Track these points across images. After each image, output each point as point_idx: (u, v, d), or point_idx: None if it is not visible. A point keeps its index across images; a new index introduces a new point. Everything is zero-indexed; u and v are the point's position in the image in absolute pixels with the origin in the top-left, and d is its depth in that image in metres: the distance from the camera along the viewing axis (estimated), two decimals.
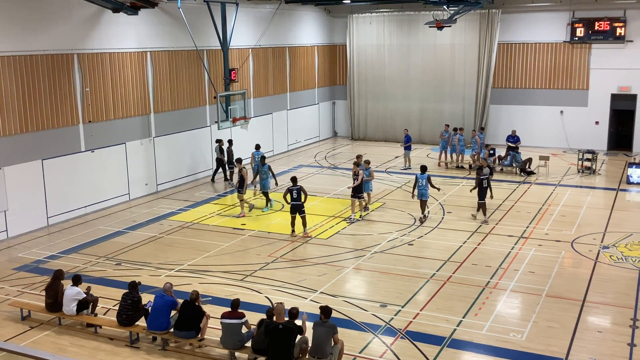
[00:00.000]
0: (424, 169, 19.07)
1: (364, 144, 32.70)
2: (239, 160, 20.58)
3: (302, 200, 17.59)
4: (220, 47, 24.03)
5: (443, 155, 26.84)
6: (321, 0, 30.61)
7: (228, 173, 24.40)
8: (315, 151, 30.98)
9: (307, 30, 32.25)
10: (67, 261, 16.05)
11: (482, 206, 18.88)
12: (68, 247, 17.22)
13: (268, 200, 20.66)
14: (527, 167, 24.98)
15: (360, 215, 19.45)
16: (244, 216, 19.74)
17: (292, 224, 17.78)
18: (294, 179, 18.00)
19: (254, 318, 11.31)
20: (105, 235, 18.19)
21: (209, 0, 22.43)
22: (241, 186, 19.90)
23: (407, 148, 26.49)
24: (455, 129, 26.41)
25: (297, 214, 17.66)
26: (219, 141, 24.31)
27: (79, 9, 19.54)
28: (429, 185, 18.81)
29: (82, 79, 19.84)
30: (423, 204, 19.01)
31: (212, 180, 24.74)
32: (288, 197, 17.75)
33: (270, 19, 28.08)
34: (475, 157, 25.78)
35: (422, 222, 18.87)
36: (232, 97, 24.21)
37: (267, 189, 20.54)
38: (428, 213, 19.49)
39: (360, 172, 19.06)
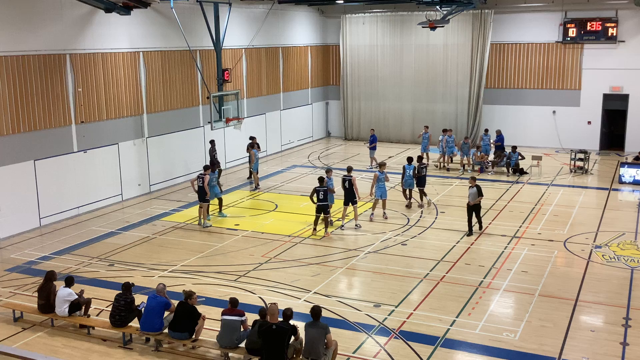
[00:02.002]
0: (410, 160, 20.54)
1: (357, 144, 32.70)
2: (207, 167, 19.27)
3: (329, 200, 17.74)
4: (213, 47, 23.99)
5: (435, 156, 26.97)
6: (314, 1, 30.61)
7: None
8: (309, 151, 30.97)
9: (300, 31, 32.24)
10: (60, 262, 15.99)
11: (421, 192, 20.58)
12: (60, 248, 17.15)
13: (221, 207, 19.92)
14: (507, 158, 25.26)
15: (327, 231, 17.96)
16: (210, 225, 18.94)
17: (315, 223, 17.85)
18: (321, 180, 17.92)
19: (248, 318, 11.29)
20: (98, 236, 18.13)
21: (201, 0, 22.39)
22: (207, 195, 18.72)
23: (373, 148, 26.56)
24: (444, 130, 26.61)
25: (322, 214, 17.69)
26: (252, 138, 24.47)
27: (71, 9, 19.47)
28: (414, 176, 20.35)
29: (74, 79, 19.76)
30: (410, 193, 20.59)
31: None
32: (314, 197, 17.75)
33: (263, 19, 28.05)
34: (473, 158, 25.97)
35: (421, 207, 20.50)
36: (225, 98, 24.15)
37: (220, 195, 19.87)
38: (411, 199, 20.73)
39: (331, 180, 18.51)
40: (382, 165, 19.68)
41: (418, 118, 32.34)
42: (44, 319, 12.49)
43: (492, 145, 26.42)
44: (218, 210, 19.94)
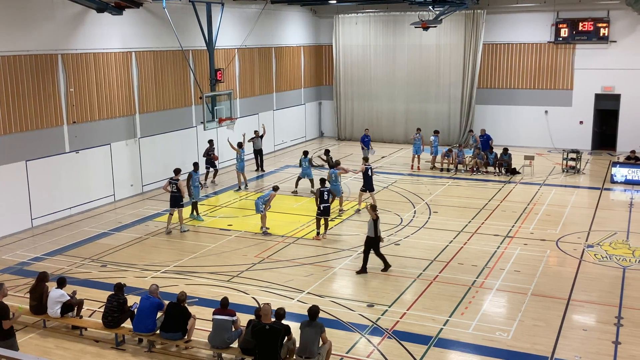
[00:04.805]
0: (306, 153, 22.75)
1: (350, 144, 32.69)
2: (177, 171, 18.51)
3: (330, 201, 17.70)
4: (205, 48, 23.95)
5: (433, 158, 26.83)
6: (307, 1, 30.61)
7: (206, 173, 24.05)
8: (302, 151, 30.84)
9: (293, 31, 32.23)
10: (52, 263, 15.92)
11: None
12: (52, 249, 17.06)
13: (196, 209, 19.48)
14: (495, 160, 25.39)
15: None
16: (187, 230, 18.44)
17: (318, 227, 17.59)
18: (323, 181, 17.92)
19: (241, 319, 11.27)
20: (90, 236, 18.05)
21: (194, 0, 22.34)
22: (181, 200, 18.29)
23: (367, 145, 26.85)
24: (436, 132, 26.77)
25: (325, 216, 17.51)
26: (256, 132, 26.00)
27: (63, 9, 19.39)
28: (311, 166, 22.75)
29: (66, 80, 19.68)
30: (311, 182, 22.70)
31: (261, 169, 26.39)
32: (318, 200, 17.53)
33: (256, 19, 28.02)
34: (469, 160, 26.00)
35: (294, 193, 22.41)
36: (218, 98, 24.13)
37: (198, 197, 19.56)
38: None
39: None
40: (336, 164, 20.32)
41: (411, 118, 32.36)
42: (36, 320, 12.44)
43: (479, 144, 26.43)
44: (190, 212, 19.43)
